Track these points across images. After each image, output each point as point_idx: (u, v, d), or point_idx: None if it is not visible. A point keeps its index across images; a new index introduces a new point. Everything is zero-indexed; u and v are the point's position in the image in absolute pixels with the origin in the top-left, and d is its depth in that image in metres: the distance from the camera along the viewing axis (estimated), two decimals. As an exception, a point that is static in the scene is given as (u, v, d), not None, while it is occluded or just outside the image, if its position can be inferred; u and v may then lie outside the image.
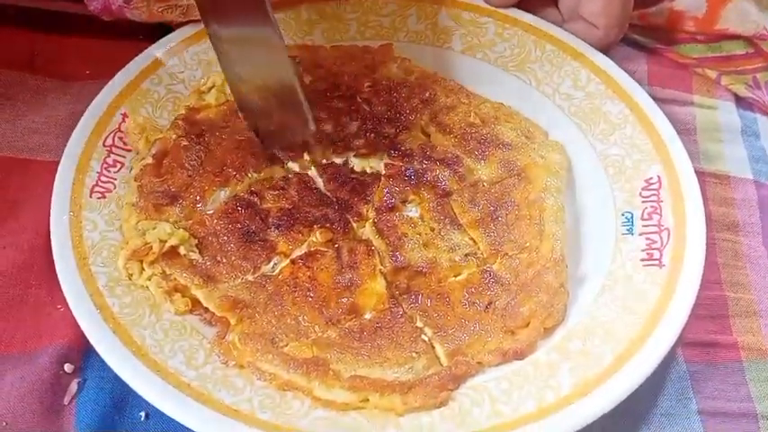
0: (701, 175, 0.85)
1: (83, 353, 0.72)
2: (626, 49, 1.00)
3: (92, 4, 0.75)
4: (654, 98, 0.88)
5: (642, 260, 0.77)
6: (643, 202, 0.81)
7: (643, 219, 0.80)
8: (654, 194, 0.81)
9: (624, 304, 0.75)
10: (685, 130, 0.94)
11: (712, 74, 0.99)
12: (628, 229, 0.80)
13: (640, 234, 0.79)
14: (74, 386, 0.72)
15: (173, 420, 0.66)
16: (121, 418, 0.71)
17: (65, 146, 0.81)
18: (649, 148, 0.84)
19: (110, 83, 0.85)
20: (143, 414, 0.71)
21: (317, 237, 0.78)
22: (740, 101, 0.99)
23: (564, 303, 0.75)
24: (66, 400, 0.72)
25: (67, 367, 0.73)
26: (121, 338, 0.69)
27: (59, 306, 0.72)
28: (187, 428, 0.66)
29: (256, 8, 0.75)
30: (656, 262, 0.77)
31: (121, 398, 0.70)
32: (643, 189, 0.82)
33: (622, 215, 0.81)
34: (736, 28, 0.97)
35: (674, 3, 0.97)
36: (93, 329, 0.69)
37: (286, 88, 0.79)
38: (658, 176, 0.82)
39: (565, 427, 0.67)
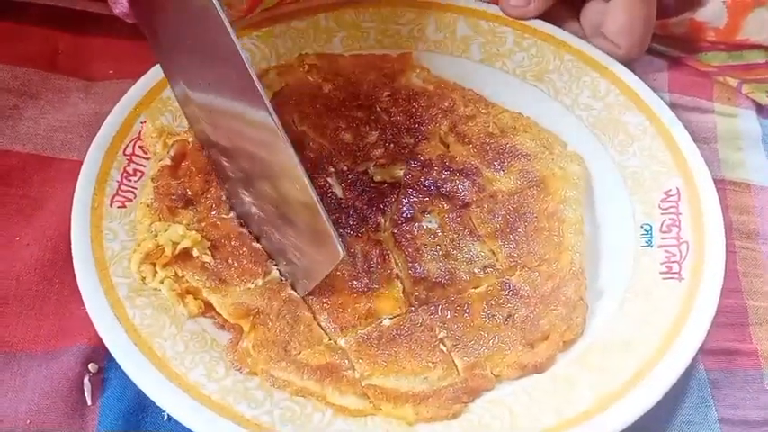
0: (720, 183, 0.87)
1: (107, 353, 0.71)
2: (647, 57, 1.00)
3: (116, 7, 0.75)
4: (674, 105, 0.89)
5: (661, 273, 0.77)
6: (662, 214, 0.81)
7: (662, 231, 0.80)
8: (673, 207, 0.81)
9: (643, 318, 0.75)
10: (705, 138, 0.94)
11: (733, 82, 0.99)
12: (647, 242, 0.80)
13: (659, 247, 0.79)
14: (97, 386, 0.73)
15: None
16: (144, 419, 0.72)
17: (87, 145, 0.81)
18: (668, 160, 0.84)
19: (129, 91, 0.85)
20: (165, 415, 0.72)
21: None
22: (761, 109, 0.99)
23: (583, 317, 0.75)
24: (89, 400, 0.73)
25: (91, 367, 0.74)
26: (142, 350, 0.69)
27: (82, 306, 0.72)
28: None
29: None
30: (676, 275, 0.77)
31: (145, 398, 0.70)
32: (662, 201, 0.82)
33: (641, 227, 0.81)
34: (757, 38, 0.96)
35: (695, 14, 0.96)
36: (113, 341, 0.70)
37: (303, 206, 0.72)
38: (677, 188, 0.82)
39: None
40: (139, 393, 0.69)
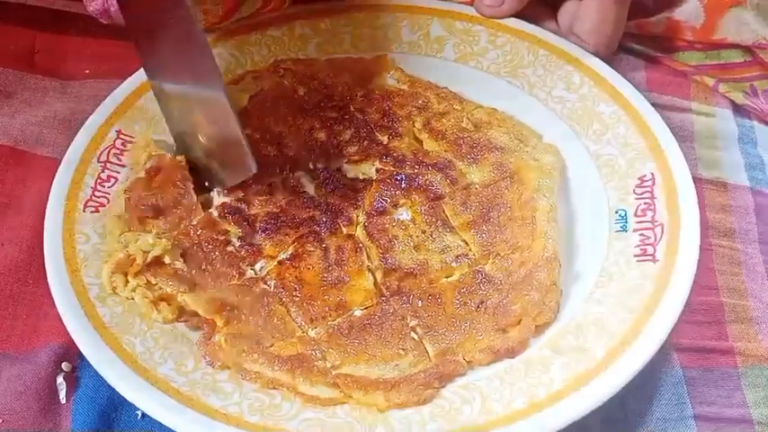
0: (698, 181, 0.86)
1: (80, 352, 0.71)
2: (624, 56, 1.01)
3: (90, 5, 0.77)
4: (651, 104, 0.88)
5: (636, 256, 0.77)
6: (636, 199, 0.81)
7: (636, 216, 0.80)
8: (647, 191, 0.81)
9: (617, 300, 0.74)
10: (683, 137, 0.93)
11: (710, 81, 0.99)
12: (621, 227, 0.80)
13: (634, 231, 0.79)
14: (71, 385, 0.74)
15: (167, 420, 0.67)
16: (118, 417, 0.72)
17: (62, 142, 0.83)
18: (643, 147, 0.84)
19: (106, 100, 0.86)
20: (139, 413, 0.72)
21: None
22: (737, 108, 0.98)
23: (556, 301, 0.75)
24: (63, 399, 0.73)
25: (65, 366, 0.74)
26: (112, 347, 0.70)
27: (56, 306, 0.73)
28: (180, 428, 0.67)
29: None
30: (650, 257, 0.76)
31: (118, 397, 0.70)
32: (636, 186, 0.82)
33: (616, 213, 0.81)
34: (734, 37, 0.97)
35: (672, 13, 0.97)
36: (83, 339, 0.70)
37: (230, 138, 0.79)
38: (652, 174, 0.82)
39: (556, 423, 0.66)
40: (113, 392, 0.70)
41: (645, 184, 0.81)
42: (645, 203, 0.80)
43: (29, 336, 0.76)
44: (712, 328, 0.80)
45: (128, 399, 0.67)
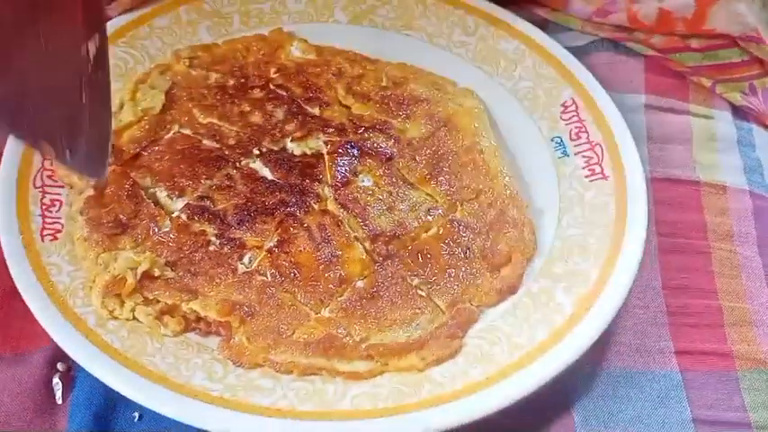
0: (695, 184, 0.89)
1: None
2: (622, 57, 1.00)
3: None
4: (650, 106, 0.93)
5: (587, 177, 0.82)
6: (567, 124, 0.86)
7: (572, 140, 0.85)
8: (574, 116, 0.86)
9: (587, 220, 0.79)
10: (681, 140, 0.93)
11: (707, 82, 0.97)
12: (562, 152, 0.85)
13: (575, 154, 0.84)
14: (67, 385, 0.72)
15: (165, 420, 0.66)
16: (114, 419, 0.71)
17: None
18: (554, 75, 0.89)
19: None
20: (136, 414, 0.71)
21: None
22: (736, 111, 0.97)
23: (532, 233, 0.79)
24: (59, 400, 0.72)
25: (60, 366, 0.73)
26: (136, 371, 0.67)
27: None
28: (178, 428, 0.67)
29: None
30: (600, 175, 0.82)
31: (114, 397, 0.68)
32: (562, 113, 0.87)
33: (552, 140, 0.86)
34: (724, 28, 0.95)
35: (662, 3, 0.96)
36: (107, 374, 0.67)
37: None
38: (572, 99, 0.87)
39: (583, 344, 0.71)
40: (109, 393, 0.68)
41: (569, 109, 0.87)
42: (576, 127, 0.86)
43: (23, 338, 0.74)
44: (711, 331, 0.80)
45: (188, 422, 0.66)
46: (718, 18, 0.94)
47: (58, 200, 0.78)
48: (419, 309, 0.74)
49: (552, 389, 0.69)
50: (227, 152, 0.82)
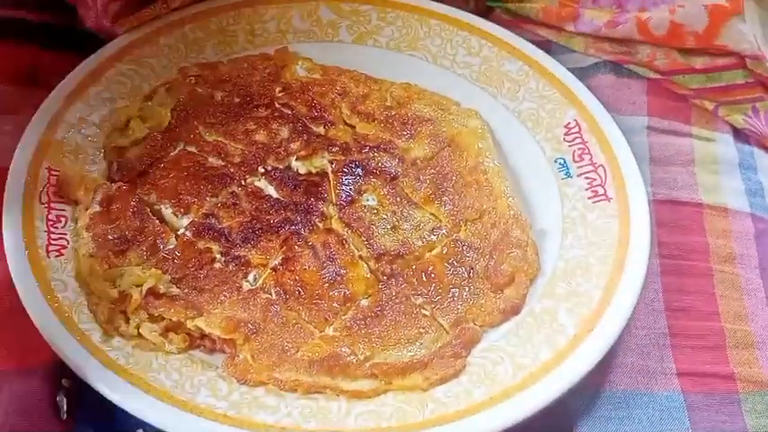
0: (698, 206, 0.88)
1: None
2: (625, 79, 0.99)
3: (87, 21, 0.72)
4: (652, 128, 0.93)
5: (589, 198, 0.83)
6: (570, 146, 0.87)
7: (575, 161, 0.86)
8: (577, 137, 0.87)
9: (589, 241, 0.80)
10: (683, 162, 0.93)
11: (710, 105, 0.97)
12: (565, 174, 0.85)
13: (578, 175, 0.85)
14: (71, 402, 0.71)
15: (169, 437, 0.66)
16: None
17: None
18: (558, 97, 0.90)
19: (22, 139, 0.81)
20: (140, 431, 0.71)
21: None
22: (738, 134, 0.96)
23: (536, 253, 0.80)
24: (63, 416, 0.71)
25: (65, 383, 0.72)
26: (142, 388, 0.67)
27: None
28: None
29: None
30: (603, 197, 0.82)
31: (119, 412, 0.68)
32: (565, 135, 0.87)
33: (555, 162, 0.86)
34: (735, 46, 0.94)
35: (674, 15, 0.94)
36: (112, 390, 0.67)
37: None
38: (575, 120, 0.88)
39: (585, 366, 0.71)
40: (114, 408, 0.68)
41: (572, 131, 0.87)
42: (579, 148, 0.86)
43: (28, 353, 0.73)
44: (713, 353, 0.79)
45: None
46: (730, 35, 0.93)
47: (63, 216, 0.78)
48: (423, 328, 0.74)
49: (555, 409, 0.70)
50: (232, 170, 0.83)
